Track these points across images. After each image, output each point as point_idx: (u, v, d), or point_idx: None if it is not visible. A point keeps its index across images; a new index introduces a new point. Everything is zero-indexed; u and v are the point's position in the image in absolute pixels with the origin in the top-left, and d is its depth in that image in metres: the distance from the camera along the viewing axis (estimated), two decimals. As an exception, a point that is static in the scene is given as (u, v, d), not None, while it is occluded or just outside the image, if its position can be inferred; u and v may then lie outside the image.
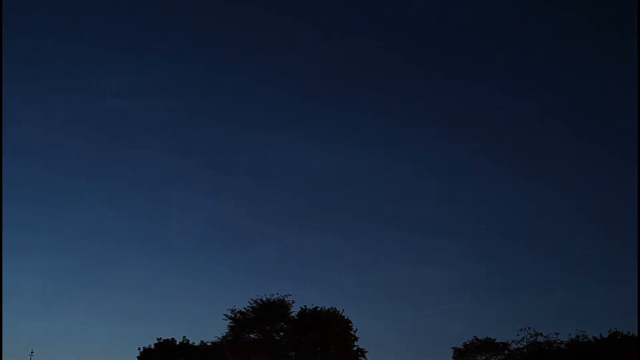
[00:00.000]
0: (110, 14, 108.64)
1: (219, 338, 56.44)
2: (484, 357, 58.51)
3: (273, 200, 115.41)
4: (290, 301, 56.78)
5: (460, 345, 59.54)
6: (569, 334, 54.77)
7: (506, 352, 57.65)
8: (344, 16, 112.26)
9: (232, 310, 56.62)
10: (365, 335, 57.40)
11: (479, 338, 59.02)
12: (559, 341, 54.70)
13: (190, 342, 57.44)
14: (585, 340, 53.47)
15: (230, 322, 56.29)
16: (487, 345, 58.37)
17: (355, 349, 55.46)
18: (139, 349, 57.02)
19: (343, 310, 56.48)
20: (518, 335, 56.30)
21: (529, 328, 55.83)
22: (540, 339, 55.23)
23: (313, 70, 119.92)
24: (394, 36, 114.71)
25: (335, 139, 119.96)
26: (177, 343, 57.09)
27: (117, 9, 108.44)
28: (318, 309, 56.07)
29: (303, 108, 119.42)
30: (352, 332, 55.86)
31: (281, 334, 56.30)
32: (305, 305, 56.54)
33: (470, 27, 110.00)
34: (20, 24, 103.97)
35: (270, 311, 55.92)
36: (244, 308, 56.56)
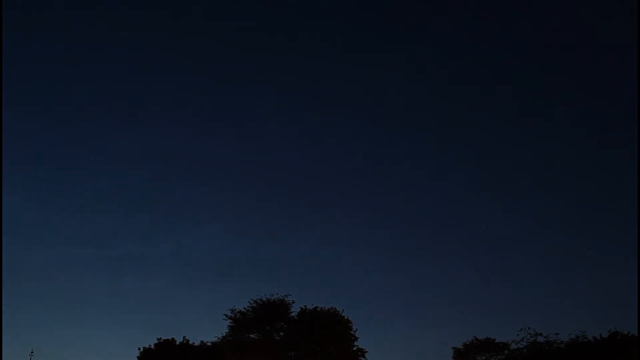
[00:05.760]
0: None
1: (219, 338, 56.51)
2: (484, 357, 58.53)
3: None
4: (290, 301, 56.94)
5: (460, 345, 59.72)
6: (569, 334, 54.80)
7: (506, 352, 57.65)
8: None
9: (232, 310, 56.73)
10: (365, 335, 57.67)
11: (479, 338, 59.10)
12: (559, 341, 54.66)
13: (190, 342, 57.41)
14: (585, 340, 53.42)
15: (230, 322, 56.36)
16: (487, 345, 58.39)
17: (355, 349, 55.46)
18: (139, 348, 56.84)
19: (343, 310, 56.62)
20: (518, 335, 56.37)
21: (529, 328, 55.91)
22: (540, 339, 55.23)
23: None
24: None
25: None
26: (177, 343, 57.04)
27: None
28: (318, 309, 56.09)
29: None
30: (352, 332, 55.88)
31: (281, 334, 56.29)
32: (305, 305, 56.65)
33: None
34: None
35: (270, 311, 55.96)
36: (244, 308, 56.67)
